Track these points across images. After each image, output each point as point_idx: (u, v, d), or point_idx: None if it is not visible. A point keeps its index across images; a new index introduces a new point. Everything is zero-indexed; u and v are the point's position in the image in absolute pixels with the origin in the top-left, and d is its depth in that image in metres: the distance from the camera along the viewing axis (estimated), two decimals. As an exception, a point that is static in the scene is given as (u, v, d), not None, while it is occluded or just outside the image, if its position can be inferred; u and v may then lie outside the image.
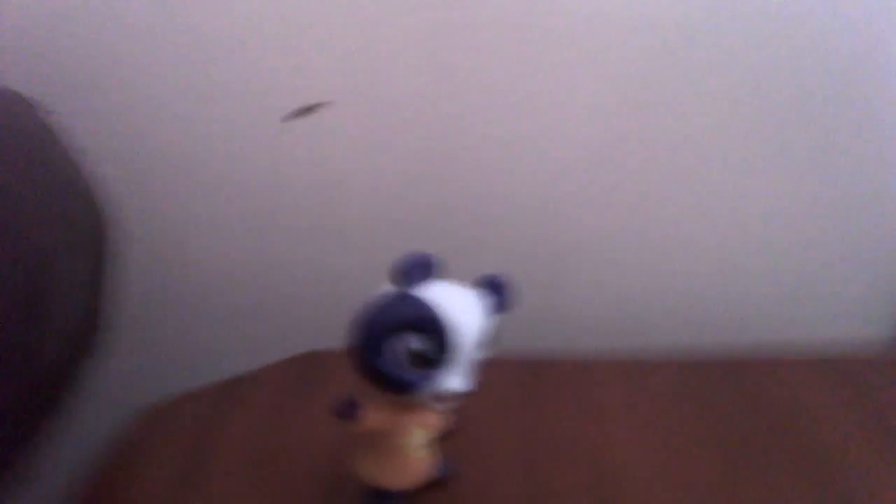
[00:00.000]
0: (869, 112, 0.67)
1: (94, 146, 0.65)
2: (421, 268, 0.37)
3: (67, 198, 0.47)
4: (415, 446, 0.39)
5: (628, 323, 0.74)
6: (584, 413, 0.53)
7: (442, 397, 0.37)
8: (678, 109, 0.67)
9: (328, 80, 0.65)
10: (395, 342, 0.36)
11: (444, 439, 0.42)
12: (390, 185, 0.69)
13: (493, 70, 0.65)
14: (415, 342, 0.36)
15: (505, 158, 0.68)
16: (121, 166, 0.68)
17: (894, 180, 0.69)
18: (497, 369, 0.56)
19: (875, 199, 0.70)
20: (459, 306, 0.37)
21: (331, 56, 0.64)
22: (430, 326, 0.36)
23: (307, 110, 0.65)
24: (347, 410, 0.37)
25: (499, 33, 0.64)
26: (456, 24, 0.64)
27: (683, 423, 0.52)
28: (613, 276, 0.72)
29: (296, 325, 0.74)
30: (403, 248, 0.38)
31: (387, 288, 0.38)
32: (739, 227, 0.71)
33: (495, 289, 0.40)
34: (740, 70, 0.66)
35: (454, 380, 0.37)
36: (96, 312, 0.53)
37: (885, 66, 0.66)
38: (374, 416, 0.38)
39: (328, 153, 0.68)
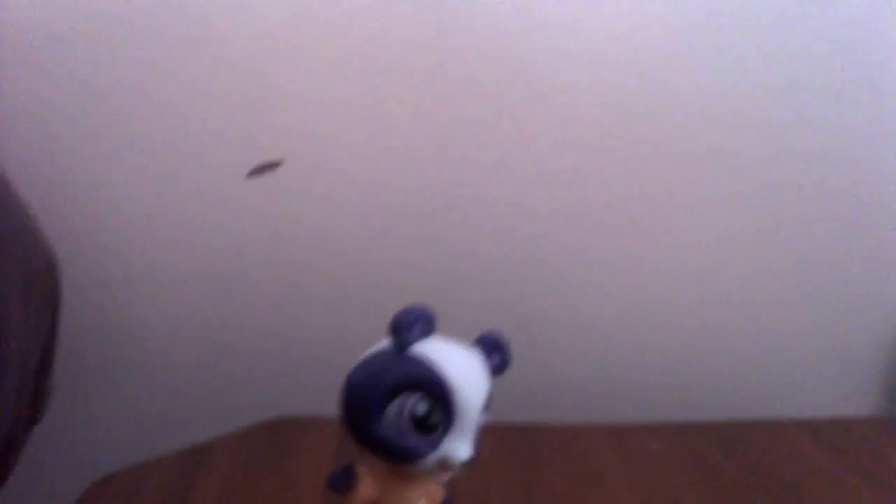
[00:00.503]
0: (862, 186, 0.67)
1: (48, 201, 0.62)
2: (422, 322, 0.34)
3: (22, 248, 0.43)
4: (414, 522, 0.35)
5: (612, 396, 0.71)
6: (582, 480, 0.50)
7: (446, 466, 0.33)
8: (669, 180, 0.66)
9: (294, 135, 0.63)
10: (396, 405, 0.32)
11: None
12: (360, 242, 0.66)
13: (478, 132, 0.64)
14: (419, 404, 0.32)
15: (488, 222, 0.66)
16: (74, 223, 0.64)
17: (885, 258, 0.69)
18: (487, 435, 0.52)
19: (867, 276, 0.70)
20: (464, 365, 0.34)
21: (296, 111, 0.62)
22: (437, 387, 0.32)
23: (268, 167, 0.63)
24: (343, 482, 0.33)
25: (488, 99, 0.63)
26: (444, 90, 0.63)
27: (684, 488, 0.49)
28: (599, 347, 0.70)
29: (262, 390, 0.69)
30: (374, 308, 0.34)
31: (381, 344, 0.34)
32: (728, 300, 0.70)
33: (496, 347, 0.37)
34: (731, 145, 0.65)
35: (460, 447, 0.33)
36: (48, 372, 0.48)
37: (876, 135, 0.66)
38: (371, 487, 0.34)
39: (294, 211, 0.65)
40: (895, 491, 0.50)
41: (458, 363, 0.33)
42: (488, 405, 0.35)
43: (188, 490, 0.48)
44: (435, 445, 0.32)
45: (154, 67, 0.61)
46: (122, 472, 0.50)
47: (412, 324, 0.33)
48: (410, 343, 0.33)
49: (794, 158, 0.66)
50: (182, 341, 0.68)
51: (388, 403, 0.32)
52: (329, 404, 0.34)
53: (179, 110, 0.62)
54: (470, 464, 0.33)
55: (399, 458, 0.32)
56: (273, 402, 0.68)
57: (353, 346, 0.35)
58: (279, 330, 0.68)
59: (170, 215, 0.65)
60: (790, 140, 0.66)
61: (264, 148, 0.63)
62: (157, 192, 0.64)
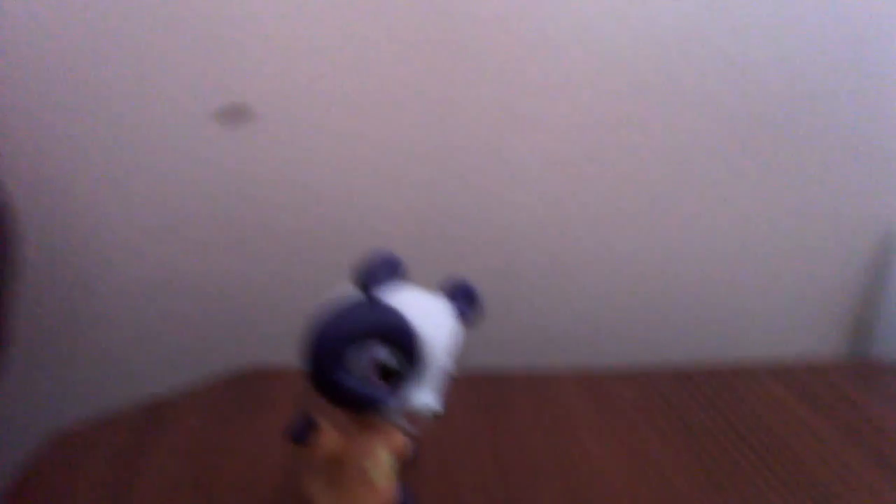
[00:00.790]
0: (832, 127, 0.67)
1: (12, 153, 0.59)
2: (387, 269, 0.32)
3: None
4: (378, 472, 0.34)
5: (583, 340, 0.71)
6: (552, 427, 0.49)
7: (412, 416, 0.32)
8: (639, 121, 0.65)
9: (267, 81, 0.61)
10: (358, 353, 0.31)
11: (407, 465, 0.37)
12: (332, 189, 0.64)
13: (455, 78, 0.62)
14: (382, 353, 0.31)
15: (461, 168, 0.65)
16: (29, 169, 0.61)
17: (855, 200, 0.69)
18: (455, 384, 0.52)
19: (837, 218, 0.70)
20: (431, 313, 0.33)
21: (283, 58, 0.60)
22: (400, 335, 0.31)
23: (238, 112, 0.61)
24: (304, 432, 0.32)
25: (470, 46, 0.62)
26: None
27: (654, 433, 0.49)
28: (571, 292, 0.69)
29: (226, 340, 0.68)
30: (347, 256, 0.32)
31: (346, 290, 0.33)
32: (699, 243, 0.69)
33: (465, 296, 0.35)
34: (703, 84, 0.64)
35: (424, 396, 0.32)
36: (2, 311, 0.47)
37: (840, 87, 0.65)
38: (333, 438, 0.33)
39: (263, 157, 0.63)
40: (863, 435, 0.50)
41: (424, 311, 0.32)
42: (456, 354, 0.34)
43: (147, 444, 0.47)
44: (400, 395, 0.31)
45: (122, 11, 0.58)
46: (79, 427, 0.49)
47: (377, 270, 0.32)
48: (376, 290, 0.32)
49: (764, 98, 0.65)
50: (149, 292, 0.66)
51: (352, 352, 0.31)
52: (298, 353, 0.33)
53: (149, 55, 0.60)
54: (437, 413, 0.32)
55: (363, 408, 0.31)
56: (242, 352, 0.66)
57: (324, 294, 0.33)
58: (249, 279, 0.67)
59: (136, 164, 0.62)
60: (762, 78, 0.65)
61: (237, 95, 0.61)
62: (123, 140, 0.62)
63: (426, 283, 0.35)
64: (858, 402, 0.54)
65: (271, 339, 0.67)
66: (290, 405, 0.51)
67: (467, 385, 0.54)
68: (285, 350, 0.53)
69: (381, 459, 0.34)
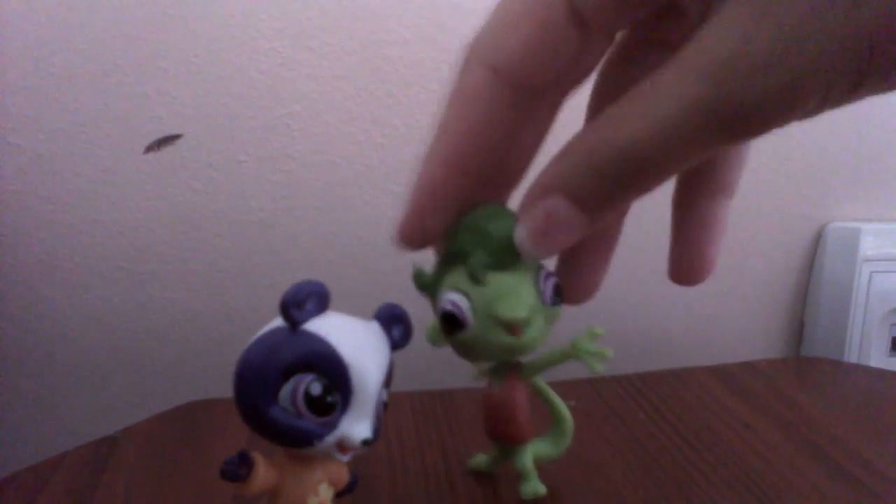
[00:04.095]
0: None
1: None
2: (314, 298, 0.32)
3: None
4: (317, 505, 0.34)
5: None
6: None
7: (345, 447, 0.32)
8: None
9: (194, 106, 0.60)
10: (289, 386, 0.31)
11: (345, 494, 0.37)
12: (271, 216, 0.64)
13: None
14: (313, 385, 0.31)
15: (395, 186, 0.65)
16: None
17: (781, 205, 0.71)
18: (405, 403, 0.52)
19: (765, 219, 0.71)
20: (361, 341, 0.33)
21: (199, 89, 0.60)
22: (331, 366, 0.31)
23: (167, 140, 0.61)
24: (237, 469, 0.32)
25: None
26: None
27: (598, 440, 0.50)
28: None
29: (177, 375, 0.67)
30: (282, 285, 0.33)
31: (275, 324, 0.33)
32: (628, 253, 0.70)
33: (396, 320, 0.36)
34: None
35: (358, 426, 0.32)
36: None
37: None
38: (269, 473, 0.32)
39: (198, 185, 0.63)
40: (800, 430, 0.51)
41: (353, 339, 0.32)
42: (389, 381, 0.34)
43: (95, 485, 0.46)
44: (332, 426, 0.31)
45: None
46: (23, 472, 0.48)
47: (304, 300, 0.32)
48: (303, 320, 0.32)
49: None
50: (92, 331, 0.65)
51: (281, 385, 0.31)
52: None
53: (73, 83, 0.59)
54: (371, 443, 0.32)
55: (294, 442, 0.31)
56: (190, 386, 0.66)
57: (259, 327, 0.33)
58: (191, 311, 0.66)
59: (67, 200, 0.61)
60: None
61: (162, 120, 0.61)
62: (51, 171, 0.60)
63: (368, 302, 0.35)
64: (795, 398, 0.56)
65: (217, 373, 0.66)
66: (236, 437, 0.50)
67: (416, 403, 0.54)
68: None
69: (319, 492, 0.34)
